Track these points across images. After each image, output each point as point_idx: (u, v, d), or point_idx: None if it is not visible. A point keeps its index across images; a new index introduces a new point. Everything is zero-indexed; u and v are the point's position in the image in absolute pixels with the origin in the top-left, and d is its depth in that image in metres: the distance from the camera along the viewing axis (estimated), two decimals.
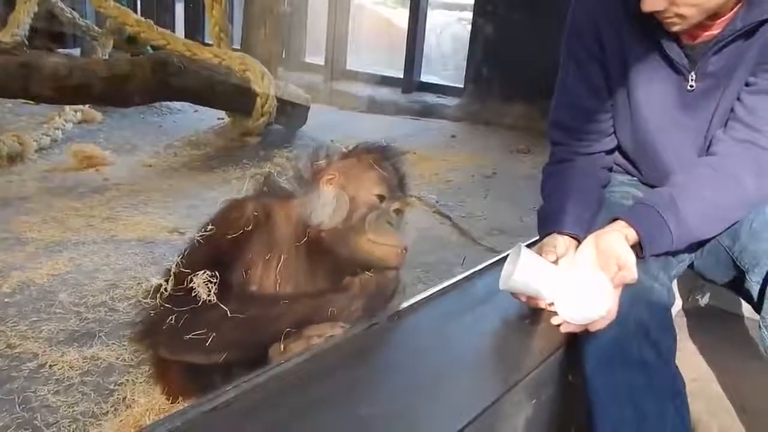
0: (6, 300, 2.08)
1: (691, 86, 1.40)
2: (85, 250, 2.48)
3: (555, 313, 1.37)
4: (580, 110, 1.54)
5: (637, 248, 1.32)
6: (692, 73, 1.39)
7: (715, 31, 1.35)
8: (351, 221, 1.37)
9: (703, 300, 2.07)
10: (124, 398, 1.64)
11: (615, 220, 1.34)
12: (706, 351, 1.88)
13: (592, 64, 1.49)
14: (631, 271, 1.27)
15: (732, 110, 1.40)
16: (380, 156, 1.47)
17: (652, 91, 1.45)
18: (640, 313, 1.29)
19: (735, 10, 1.32)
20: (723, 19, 1.33)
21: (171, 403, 1.45)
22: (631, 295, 1.31)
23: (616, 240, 1.29)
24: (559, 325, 1.36)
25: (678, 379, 1.31)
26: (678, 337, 1.39)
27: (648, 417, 1.24)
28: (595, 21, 1.45)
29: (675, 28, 1.33)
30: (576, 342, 1.36)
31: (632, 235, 1.31)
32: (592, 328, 1.30)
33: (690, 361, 1.83)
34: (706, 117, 1.43)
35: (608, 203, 1.55)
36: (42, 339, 1.89)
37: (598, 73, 1.50)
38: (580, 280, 1.30)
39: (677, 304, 1.74)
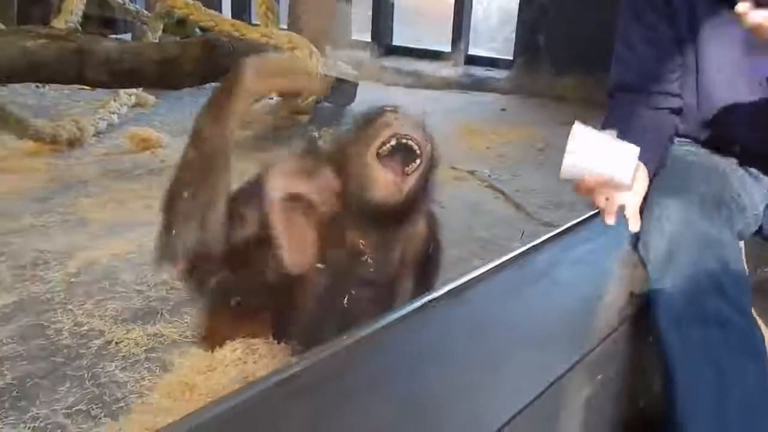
0: (72, 280, 2.14)
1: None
2: (145, 230, 2.52)
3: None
4: (647, 72, 1.48)
5: None
6: None
7: None
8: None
9: None
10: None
11: None
12: None
13: (660, 24, 1.43)
14: None
15: None
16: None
17: (721, 50, 1.38)
18: (711, 266, 1.24)
19: None
20: None
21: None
22: (700, 248, 1.25)
23: None
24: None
25: (758, 335, 1.25)
26: None
27: (727, 374, 1.20)
28: None
29: None
30: (647, 307, 1.31)
31: None
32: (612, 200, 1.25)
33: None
34: None
35: (683, 161, 1.48)
36: (107, 317, 1.94)
37: (667, 33, 1.44)
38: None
39: None
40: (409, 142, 1.38)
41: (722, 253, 1.27)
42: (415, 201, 1.45)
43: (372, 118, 1.44)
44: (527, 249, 1.61)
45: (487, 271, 1.49)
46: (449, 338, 1.29)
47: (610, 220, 1.29)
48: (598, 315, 1.34)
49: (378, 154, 1.38)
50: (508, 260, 1.56)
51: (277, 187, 1.48)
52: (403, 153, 1.39)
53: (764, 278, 1.96)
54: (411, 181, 1.41)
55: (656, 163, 1.41)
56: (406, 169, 1.39)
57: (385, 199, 1.40)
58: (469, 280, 1.39)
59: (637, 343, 1.36)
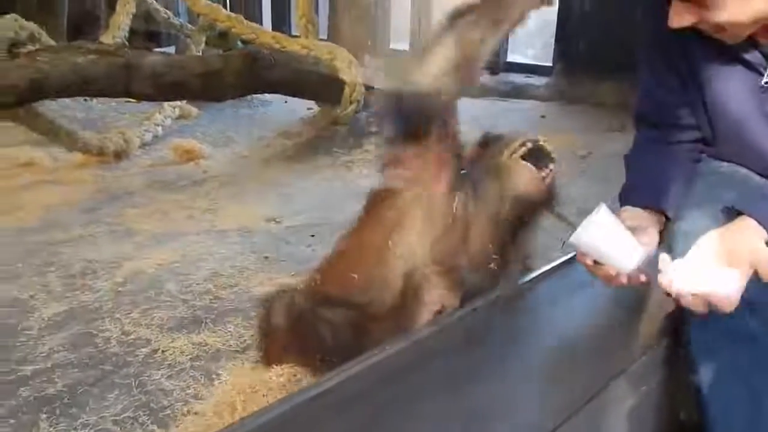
0: (119, 289, 2.20)
1: (766, 83, 1.31)
2: (189, 240, 2.59)
3: (622, 282, 1.27)
4: (660, 105, 1.50)
5: None
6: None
7: None
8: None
9: None
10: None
11: (739, 214, 1.25)
12: None
13: (669, 72, 1.45)
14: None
15: None
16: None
17: (727, 91, 1.37)
18: None
19: None
20: None
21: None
22: None
23: (752, 239, 1.18)
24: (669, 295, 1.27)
25: None
26: None
27: (759, 393, 1.17)
28: (668, 32, 1.38)
29: (730, 41, 1.26)
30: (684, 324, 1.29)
31: (764, 236, 1.20)
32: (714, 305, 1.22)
33: None
34: None
35: (716, 172, 1.47)
36: (154, 326, 1.99)
37: (675, 79, 1.45)
38: (708, 263, 1.22)
39: None
40: (544, 145, 1.42)
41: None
42: (549, 203, 1.46)
43: (493, 137, 1.49)
44: (568, 259, 1.60)
45: (529, 281, 1.49)
46: (493, 347, 1.29)
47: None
48: (641, 326, 1.32)
49: (514, 157, 1.40)
50: (548, 270, 1.55)
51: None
52: (535, 158, 1.41)
53: None
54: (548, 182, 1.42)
55: (674, 203, 1.42)
56: (542, 173, 1.41)
57: (531, 193, 1.40)
58: (511, 291, 1.39)
59: (678, 355, 1.34)
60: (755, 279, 1.19)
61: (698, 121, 1.49)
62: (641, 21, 1.47)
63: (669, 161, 1.49)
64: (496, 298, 1.36)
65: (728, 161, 1.53)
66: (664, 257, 1.22)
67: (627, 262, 1.24)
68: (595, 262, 1.27)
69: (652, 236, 1.34)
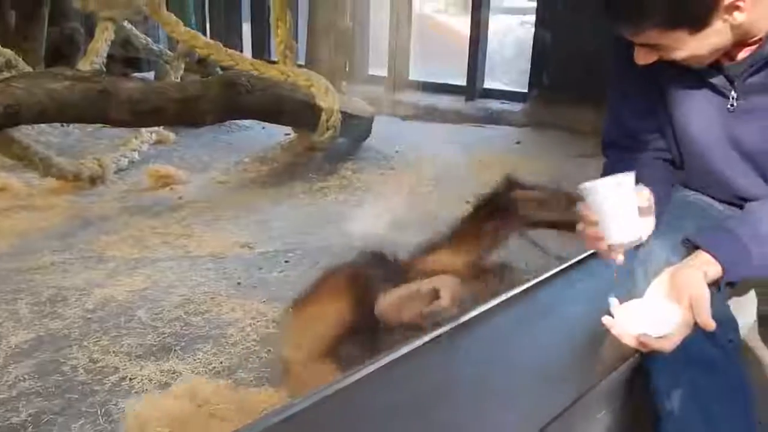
0: (89, 316, 2.19)
1: (732, 105, 1.35)
2: (162, 266, 2.58)
3: (600, 248, 1.32)
4: (631, 131, 1.53)
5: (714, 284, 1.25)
6: (732, 92, 1.34)
7: (755, 47, 1.30)
8: None
9: None
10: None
11: (696, 248, 1.28)
12: None
13: (638, 97, 1.49)
14: (702, 314, 1.18)
15: None
16: None
17: (693, 114, 1.41)
18: None
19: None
20: (755, 38, 1.28)
21: None
22: None
23: (694, 277, 1.22)
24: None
25: (743, 377, 1.25)
26: (752, 343, 1.33)
27: (715, 418, 1.19)
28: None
29: (696, 66, 1.32)
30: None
31: (714, 272, 1.24)
32: (651, 347, 1.24)
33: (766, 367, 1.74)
34: (750, 134, 1.35)
35: (682, 202, 1.51)
36: (122, 353, 1.98)
37: (644, 104, 1.49)
38: (652, 303, 1.25)
39: (752, 309, 1.66)
40: None
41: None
42: None
43: None
44: (535, 283, 1.62)
45: (494, 306, 1.50)
46: (456, 370, 1.30)
47: None
48: (599, 352, 1.34)
49: None
50: (517, 294, 1.57)
51: None
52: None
53: None
54: None
55: (662, 199, 1.43)
56: None
57: None
58: (476, 315, 1.41)
59: (635, 382, 1.36)
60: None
61: (668, 146, 1.52)
62: (611, 47, 1.50)
63: (646, 168, 1.48)
64: (459, 324, 1.38)
65: (695, 190, 1.56)
66: (612, 301, 1.26)
67: (619, 235, 1.26)
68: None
69: (651, 225, 1.36)
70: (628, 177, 1.26)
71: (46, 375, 1.86)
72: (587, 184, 1.28)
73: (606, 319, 1.25)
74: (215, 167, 3.96)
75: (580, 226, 1.35)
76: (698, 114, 1.40)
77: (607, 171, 1.53)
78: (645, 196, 1.33)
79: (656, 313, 1.22)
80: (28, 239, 2.82)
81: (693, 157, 1.47)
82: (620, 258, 1.31)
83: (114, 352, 1.98)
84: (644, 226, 1.32)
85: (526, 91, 5.12)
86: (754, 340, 1.67)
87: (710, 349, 1.23)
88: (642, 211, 1.30)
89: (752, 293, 1.59)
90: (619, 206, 1.26)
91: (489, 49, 5.49)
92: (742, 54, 1.31)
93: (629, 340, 1.22)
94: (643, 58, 1.31)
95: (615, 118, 1.56)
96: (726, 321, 1.28)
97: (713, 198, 1.52)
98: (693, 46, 1.26)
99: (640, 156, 1.52)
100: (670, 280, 1.25)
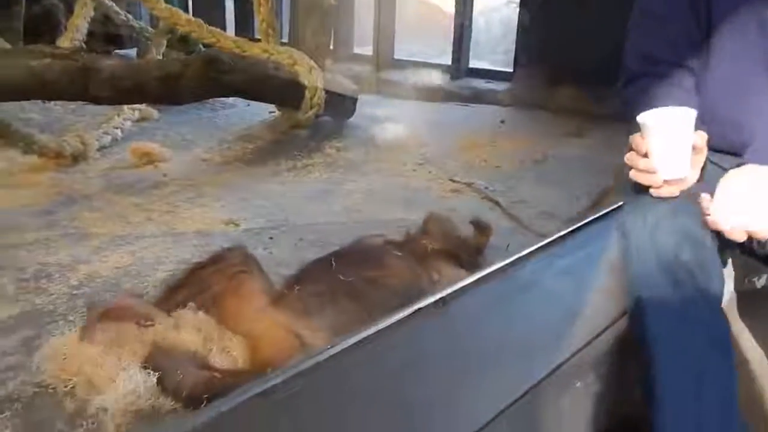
0: (74, 292, 2.19)
1: None
2: (147, 243, 2.59)
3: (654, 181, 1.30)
4: (671, 43, 1.43)
5: None
6: None
7: None
8: None
9: (760, 282, 2.01)
10: None
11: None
12: (759, 335, 1.84)
13: (688, 11, 1.41)
14: None
15: None
16: None
17: (744, 51, 1.37)
18: (686, 257, 1.26)
19: None
20: None
21: None
22: (678, 237, 1.28)
23: None
24: None
25: (729, 332, 1.28)
26: (730, 320, 1.36)
27: (706, 373, 1.21)
28: None
29: None
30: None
31: None
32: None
33: (744, 343, 1.79)
34: None
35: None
36: None
37: (693, 20, 1.42)
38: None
39: (729, 284, 1.70)
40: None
41: (697, 241, 1.29)
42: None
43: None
44: (514, 259, 1.65)
45: (475, 280, 1.53)
46: (434, 347, 1.33)
47: None
48: (580, 322, 1.38)
49: None
50: (495, 270, 1.60)
51: None
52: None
53: (751, 288, 1.99)
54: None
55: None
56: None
57: None
58: (452, 291, 1.44)
59: (619, 351, 1.40)
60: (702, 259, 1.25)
61: (696, 83, 1.43)
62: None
63: (683, 88, 1.41)
64: (438, 299, 1.41)
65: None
66: (705, 197, 1.26)
67: (677, 170, 1.27)
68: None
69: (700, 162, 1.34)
70: (690, 114, 1.25)
71: (33, 350, 1.87)
72: (650, 115, 1.26)
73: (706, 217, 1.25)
74: (199, 145, 3.95)
75: (630, 158, 1.31)
76: (750, 51, 1.35)
77: (634, 108, 1.41)
78: (701, 134, 1.30)
79: (749, 203, 1.22)
80: (11, 216, 2.80)
81: (726, 96, 1.41)
82: (677, 192, 1.30)
83: None
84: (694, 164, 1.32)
85: (511, 70, 5.13)
86: (732, 317, 1.71)
87: (702, 305, 1.25)
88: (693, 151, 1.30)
89: (729, 266, 1.63)
90: (683, 141, 1.26)
91: (474, 29, 5.49)
92: None
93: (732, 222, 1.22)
94: None
95: (645, 44, 1.46)
96: (717, 280, 1.31)
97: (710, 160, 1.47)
98: None
99: (670, 91, 1.42)
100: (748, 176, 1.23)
